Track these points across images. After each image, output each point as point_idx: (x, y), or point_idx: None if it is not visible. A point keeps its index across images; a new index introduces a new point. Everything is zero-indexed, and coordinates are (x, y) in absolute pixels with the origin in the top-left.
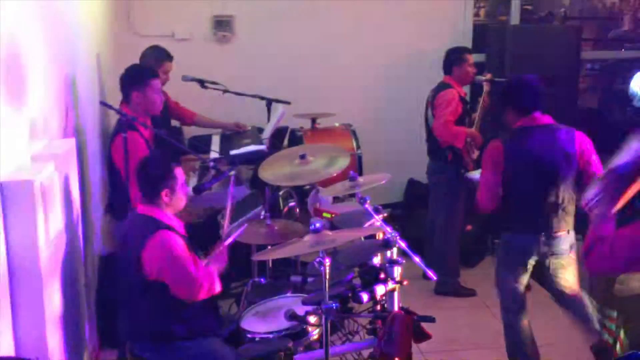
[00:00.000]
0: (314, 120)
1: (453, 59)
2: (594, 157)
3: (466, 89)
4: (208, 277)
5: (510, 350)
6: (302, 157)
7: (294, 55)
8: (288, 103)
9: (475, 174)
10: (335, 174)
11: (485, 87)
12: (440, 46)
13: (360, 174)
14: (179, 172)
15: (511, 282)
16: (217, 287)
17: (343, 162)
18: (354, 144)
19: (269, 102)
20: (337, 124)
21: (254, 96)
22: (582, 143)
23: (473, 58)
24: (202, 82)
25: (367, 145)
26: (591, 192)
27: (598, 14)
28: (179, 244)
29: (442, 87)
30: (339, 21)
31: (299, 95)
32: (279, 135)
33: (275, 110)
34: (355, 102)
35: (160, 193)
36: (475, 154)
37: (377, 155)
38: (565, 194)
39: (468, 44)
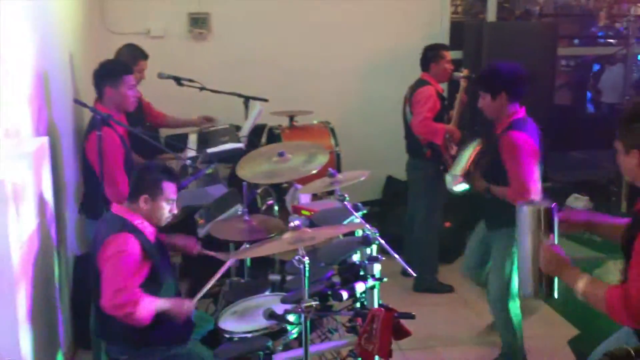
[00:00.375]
0: (291, 118)
1: (430, 55)
2: None
3: (444, 86)
4: (138, 301)
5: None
6: (281, 154)
7: (271, 53)
8: (265, 100)
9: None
10: (314, 171)
11: (463, 84)
12: (418, 43)
13: (339, 171)
14: (168, 186)
15: None
16: (142, 318)
17: (322, 159)
18: (333, 142)
19: (247, 100)
20: (315, 122)
21: (231, 94)
22: None
23: (450, 55)
24: (178, 80)
25: (346, 143)
26: None
27: (573, 11)
28: (132, 253)
29: (420, 84)
30: (316, 19)
31: (277, 93)
32: (256, 133)
33: (253, 108)
34: (334, 100)
35: (140, 197)
36: (454, 150)
37: (355, 153)
38: None
39: (445, 41)
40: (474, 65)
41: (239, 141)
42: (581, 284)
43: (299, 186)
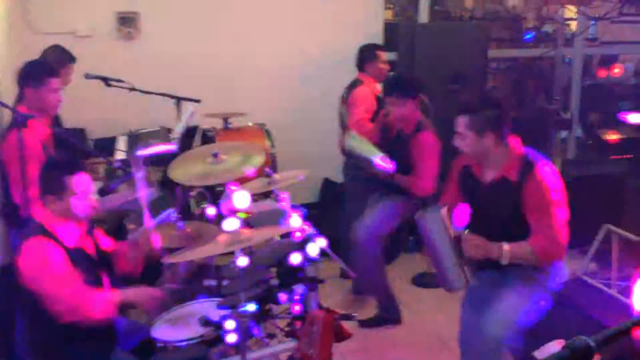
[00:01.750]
0: (226, 120)
1: (365, 55)
2: None
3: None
4: (92, 298)
5: None
6: (215, 155)
7: (204, 53)
8: (198, 101)
9: None
10: (249, 172)
11: None
12: (353, 44)
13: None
14: (71, 180)
15: None
16: (104, 311)
17: (257, 160)
18: (268, 143)
19: (178, 101)
20: (250, 124)
21: (162, 94)
22: None
23: (385, 55)
24: (106, 80)
25: (282, 145)
26: None
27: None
28: (55, 255)
29: (355, 84)
30: (250, 19)
31: (211, 95)
32: (189, 135)
33: (185, 109)
34: (269, 102)
35: (46, 199)
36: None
37: (291, 155)
38: None
39: (380, 42)
40: (407, 67)
41: (170, 143)
42: (507, 249)
43: (236, 188)
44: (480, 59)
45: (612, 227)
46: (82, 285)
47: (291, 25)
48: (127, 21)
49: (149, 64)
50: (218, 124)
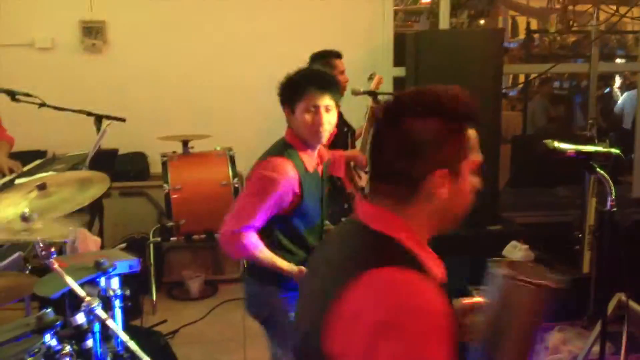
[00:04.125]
0: (185, 144)
1: (320, 65)
2: None
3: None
4: None
5: None
6: (41, 187)
7: (174, 68)
8: (122, 120)
9: None
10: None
11: (370, 105)
12: (354, 59)
13: None
14: None
15: None
16: None
17: (97, 190)
18: (230, 172)
19: (98, 119)
20: (218, 148)
21: (78, 111)
22: None
23: (343, 64)
24: (12, 94)
25: None
26: None
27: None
28: None
29: None
30: (231, 30)
31: (174, 114)
32: (106, 160)
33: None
34: (244, 124)
35: None
36: (364, 179)
37: None
38: None
39: (389, 55)
40: (415, 82)
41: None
42: None
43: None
44: (493, 72)
45: (624, 298)
46: None
47: (277, 38)
48: (92, 31)
49: (113, 79)
50: (179, 147)
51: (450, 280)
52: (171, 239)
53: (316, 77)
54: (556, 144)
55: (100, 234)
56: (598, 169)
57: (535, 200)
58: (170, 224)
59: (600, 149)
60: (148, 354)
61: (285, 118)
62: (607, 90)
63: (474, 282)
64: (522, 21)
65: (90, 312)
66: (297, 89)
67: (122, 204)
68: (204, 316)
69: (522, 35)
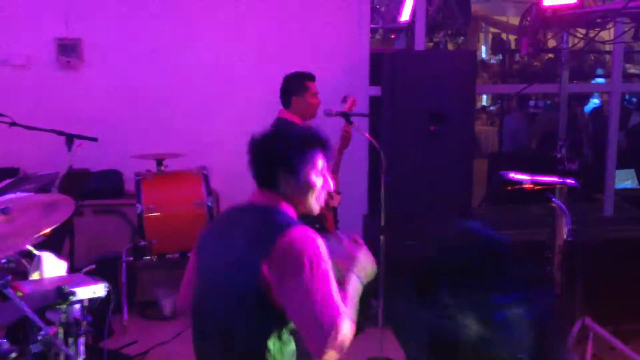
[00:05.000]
0: (159, 162)
1: (292, 87)
2: None
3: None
4: None
5: None
6: (5, 211)
7: (149, 86)
8: (94, 140)
9: None
10: (48, 229)
11: (346, 128)
12: (330, 79)
13: None
14: None
15: None
16: None
17: (63, 214)
18: (204, 191)
19: (70, 139)
20: (193, 167)
21: (49, 131)
22: None
23: (316, 87)
24: None
25: (230, 196)
26: None
27: None
28: None
29: (279, 125)
30: (205, 51)
31: (149, 132)
32: (77, 180)
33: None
34: (219, 142)
35: None
36: (336, 200)
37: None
38: None
39: (365, 74)
40: (391, 101)
41: (41, 193)
42: None
43: (43, 254)
44: (466, 94)
45: (589, 321)
46: None
47: (255, 55)
48: (67, 49)
49: (90, 97)
50: (154, 166)
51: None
52: (144, 258)
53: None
54: (512, 175)
55: (71, 254)
56: (554, 199)
57: (510, 217)
58: (143, 243)
59: (555, 179)
60: None
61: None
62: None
63: None
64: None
65: (46, 342)
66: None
67: (95, 222)
68: (175, 336)
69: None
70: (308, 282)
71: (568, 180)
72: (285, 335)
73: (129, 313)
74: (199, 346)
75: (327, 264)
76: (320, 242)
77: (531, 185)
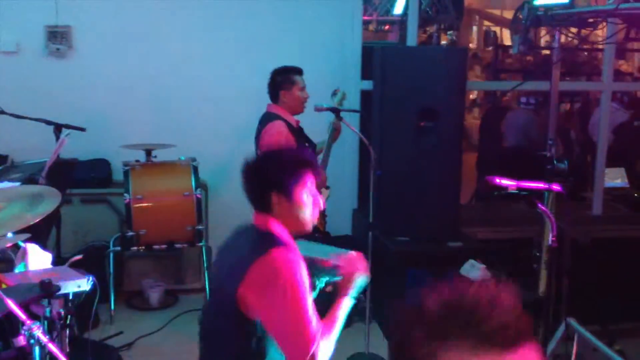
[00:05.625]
0: (148, 153)
1: (279, 81)
2: None
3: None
4: None
5: None
6: None
7: (139, 76)
8: (82, 130)
9: None
10: (36, 220)
11: (335, 123)
12: (323, 71)
13: (200, 218)
14: None
15: None
16: None
17: (47, 205)
18: (192, 183)
19: (58, 128)
20: (184, 157)
21: (37, 120)
22: None
23: (304, 81)
24: None
25: (219, 184)
26: None
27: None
28: None
29: (266, 118)
30: (196, 41)
31: (138, 122)
32: (64, 170)
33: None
34: (211, 134)
35: None
36: (325, 195)
37: (226, 201)
38: None
39: (357, 68)
40: (380, 99)
41: (28, 182)
42: None
43: (29, 245)
44: (456, 91)
45: (574, 323)
46: None
47: (246, 45)
48: (57, 36)
49: (78, 85)
50: (143, 156)
51: (410, 295)
52: (131, 248)
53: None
54: (497, 180)
55: (57, 243)
56: (539, 205)
57: (499, 214)
58: (131, 233)
59: (541, 185)
60: None
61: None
62: None
63: None
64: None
65: (30, 336)
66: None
67: (83, 211)
68: (162, 327)
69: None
70: (283, 305)
71: (554, 186)
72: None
73: (115, 303)
74: (199, 343)
75: (303, 287)
76: (299, 266)
77: (517, 190)
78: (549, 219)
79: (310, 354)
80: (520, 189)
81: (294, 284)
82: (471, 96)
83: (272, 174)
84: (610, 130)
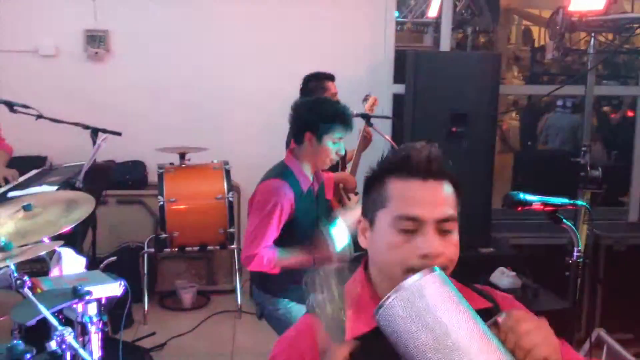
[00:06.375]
0: (182, 156)
1: (311, 87)
2: None
3: None
4: None
5: None
6: (26, 208)
7: (175, 78)
8: (118, 134)
9: None
10: (70, 226)
11: (365, 129)
12: (357, 76)
13: (232, 221)
14: None
15: None
16: None
17: (83, 212)
18: (225, 186)
19: (95, 132)
20: (215, 161)
21: (75, 124)
22: None
23: (335, 86)
24: (10, 105)
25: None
26: None
27: None
28: None
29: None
30: (231, 44)
31: (173, 125)
32: (101, 174)
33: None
34: (245, 138)
35: None
36: (353, 201)
37: None
38: None
39: (390, 73)
40: (413, 101)
41: (66, 185)
42: None
43: (63, 250)
44: (489, 96)
45: (604, 333)
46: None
47: (283, 50)
48: (95, 40)
49: (115, 88)
50: (177, 159)
51: None
52: (165, 250)
53: (347, 116)
54: (521, 195)
55: (93, 245)
56: (564, 221)
57: (532, 219)
58: (164, 235)
59: (565, 201)
60: None
61: (290, 139)
62: None
63: None
64: (535, 30)
65: (62, 342)
66: (330, 124)
67: (118, 212)
68: (193, 328)
69: (536, 44)
70: (254, 215)
71: (579, 202)
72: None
73: (149, 303)
74: None
75: (273, 213)
76: (281, 197)
77: (541, 207)
78: (574, 234)
79: (250, 254)
80: (544, 203)
81: (265, 207)
82: (510, 97)
83: (313, 117)
84: None
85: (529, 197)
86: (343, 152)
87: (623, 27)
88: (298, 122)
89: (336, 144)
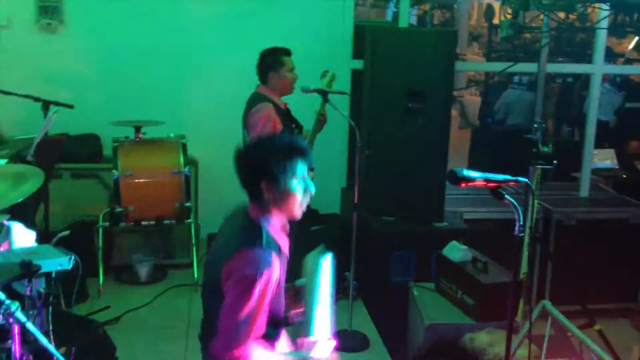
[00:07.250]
0: (137, 130)
1: (268, 62)
2: None
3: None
4: None
5: None
6: None
7: (130, 52)
8: (70, 107)
9: None
10: (19, 200)
11: (322, 107)
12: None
13: (188, 195)
14: None
15: None
16: None
17: (32, 185)
18: (181, 161)
19: (46, 105)
20: (172, 135)
21: (25, 96)
22: None
23: (292, 62)
24: None
25: (208, 162)
26: None
27: None
28: None
29: (255, 100)
30: (186, 18)
31: (128, 99)
32: (52, 147)
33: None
34: (199, 111)
35: None
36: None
37: (216, 177)
38: None
39: (348, 48)
40: (371, 77)
41: (16, 159)
42: None
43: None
44: (445, 72)
45: (549, 305)
46: None
47: (240, 25)
48: (48, 11)
49: (69, 60)
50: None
51: (394, 274)
52: (120, 224)
53: (301, 144)
54: (464, 172)
55: (46, 219)
56: (506, 196)
57: (486, 195)
58: (119, 209)
59: (508, 177)
60: (81, 344)
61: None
62: None
63: (419, 278)
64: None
65: (8, 315)
66: (286, 161)
67: (73, 186)
68: (149, 302)
69: (495, 20)
70: (237, 298)
71: (521, 179)
72: None
73: (104, 277)
74: None
75: (262, 291)
76: (267, 270)
77: (484, 183)
78: (515, 210)
79: (233, 354)
80: (487, 180)
81: (255, 288)
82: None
83: (261, 162)
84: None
85: (472, 174)
86: (314, 190)
87: (575, 6)
88: (245, 172)
89: (300, 182)
